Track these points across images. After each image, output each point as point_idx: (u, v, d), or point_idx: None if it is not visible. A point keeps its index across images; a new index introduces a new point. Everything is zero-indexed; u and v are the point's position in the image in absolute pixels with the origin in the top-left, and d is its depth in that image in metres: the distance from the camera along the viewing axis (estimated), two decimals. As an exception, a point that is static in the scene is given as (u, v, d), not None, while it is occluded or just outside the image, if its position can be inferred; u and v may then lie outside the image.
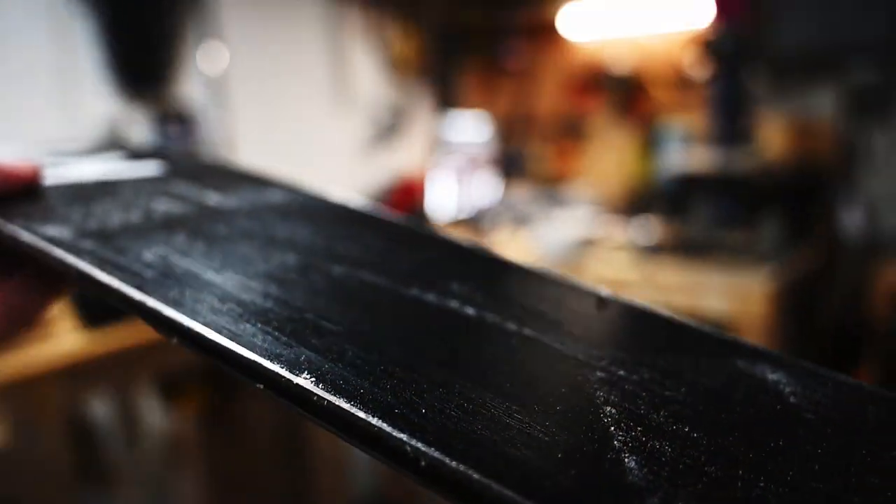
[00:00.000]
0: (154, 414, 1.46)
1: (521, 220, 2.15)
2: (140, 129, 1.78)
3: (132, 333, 1.15)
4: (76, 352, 1.09)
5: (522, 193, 2.33)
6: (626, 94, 2.34)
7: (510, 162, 2.47)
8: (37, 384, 1.02)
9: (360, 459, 2.14)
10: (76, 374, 1.08)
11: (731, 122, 1.81)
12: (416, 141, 2.56)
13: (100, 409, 1.43)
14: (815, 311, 1.89)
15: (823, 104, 2.04)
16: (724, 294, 1.62)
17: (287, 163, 2.12)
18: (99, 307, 1.16)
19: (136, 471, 1.46)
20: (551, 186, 2.39)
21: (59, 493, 1.04)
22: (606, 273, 1.76)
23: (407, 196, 2.28)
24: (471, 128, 2.33)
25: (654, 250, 1.78)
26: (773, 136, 1.99)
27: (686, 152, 1.85)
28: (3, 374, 0.99)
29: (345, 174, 2.32)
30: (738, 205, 1.75)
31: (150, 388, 1.44)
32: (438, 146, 2.51)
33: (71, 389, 1.07)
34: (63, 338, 1.14)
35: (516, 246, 1.97)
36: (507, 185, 2.40)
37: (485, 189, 2.27)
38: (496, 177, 2.36)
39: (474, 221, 2.12)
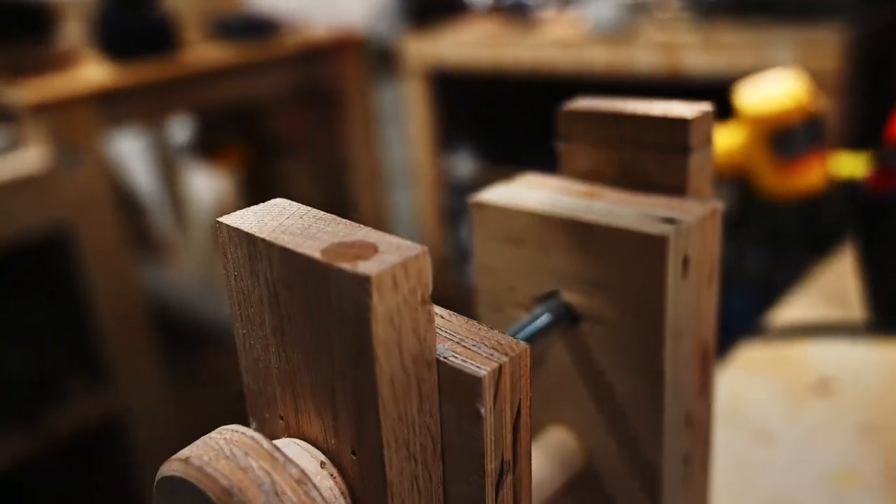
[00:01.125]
0: (195, 178, 1.47)
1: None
2: None
3: (160, 68, 1.13)
4: (105, 82, 1.08)
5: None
6: None
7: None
8: (68, 108, 1.02)
9: (404, 223, 2.15)
10: (108, 102, 1.07)
11: None
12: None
13: (133, 146, 1.45)
14: (893, 65, 1.77)
15: None
16: (793, 48, 1.52)
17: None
18: (125, 40, 1.13)
19: (185, 242, 1.49)
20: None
21: (106, 221, 1.06)
22: (662, 38, 1.65)
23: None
24: None
25: (714, 8, 1.66)
26: None
27: None
28: (32, 99, 0.99)
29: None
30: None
31: (187, 150, 1.44)
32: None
33: (103, 118, 1.07)
34: (89, 69, 1.13)
35: (564, 24, 1.86)
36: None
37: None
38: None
39: (519, 4, 2.00)
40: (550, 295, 0.30)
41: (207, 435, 0.19)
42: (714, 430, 0.32)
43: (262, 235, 0.19)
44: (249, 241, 0.19)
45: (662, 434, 0.28)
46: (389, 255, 0.17)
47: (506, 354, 0.20)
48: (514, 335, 0.27)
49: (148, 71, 1.13)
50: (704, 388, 0.30)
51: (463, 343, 0.20)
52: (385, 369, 0.18)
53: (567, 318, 0.29)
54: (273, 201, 0.21)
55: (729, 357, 0.60)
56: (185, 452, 0.19)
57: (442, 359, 0.19)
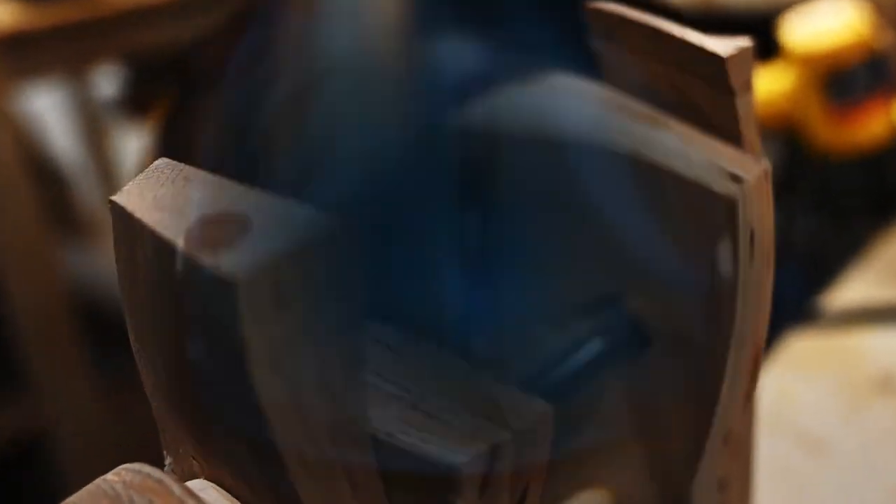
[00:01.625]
0: (128, 140, 1.46)
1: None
2: None
3: (80, 6, 1.12)
4: (11, 24, 1.07)
5: None
6: None
7: None
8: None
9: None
10: (16, 49, 1.06)
11: None
12: None
13: (51, 102, 1.43)
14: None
15: None
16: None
17: None
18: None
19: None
20: None
21: (18, 197, 1.05)
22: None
23: None
24: None
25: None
26: None
27: None
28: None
29: None
30: None
31: (117, 106, 1.43)
32: None
33: (11, 69, 1.06)
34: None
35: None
36: None
37: None
38: None
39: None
40: (610, 301, 0.22)
41: (103, 477, 0.18)
42: (756, 444, 0.31)
43: (138, 215, 0.16)
44: (128, 225, 0.16)
45: (696, 455, 0.27)
46: (262, 239, 0.13)
47: (506, 427, 0.15)
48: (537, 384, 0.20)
49: (65, 10, 1.11)
50: (748, 398, 0.29)
51: (421, 406, 0.15)
52: (287, 440, 0.14)
53: (634, 344, 0.22)
54: (155, 163, 0.18)
55: (773, 350, 0.60)
56: (72, 500, 0.17)
57: (384, 437, 0.15)
